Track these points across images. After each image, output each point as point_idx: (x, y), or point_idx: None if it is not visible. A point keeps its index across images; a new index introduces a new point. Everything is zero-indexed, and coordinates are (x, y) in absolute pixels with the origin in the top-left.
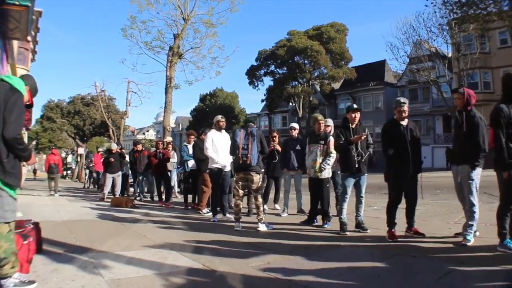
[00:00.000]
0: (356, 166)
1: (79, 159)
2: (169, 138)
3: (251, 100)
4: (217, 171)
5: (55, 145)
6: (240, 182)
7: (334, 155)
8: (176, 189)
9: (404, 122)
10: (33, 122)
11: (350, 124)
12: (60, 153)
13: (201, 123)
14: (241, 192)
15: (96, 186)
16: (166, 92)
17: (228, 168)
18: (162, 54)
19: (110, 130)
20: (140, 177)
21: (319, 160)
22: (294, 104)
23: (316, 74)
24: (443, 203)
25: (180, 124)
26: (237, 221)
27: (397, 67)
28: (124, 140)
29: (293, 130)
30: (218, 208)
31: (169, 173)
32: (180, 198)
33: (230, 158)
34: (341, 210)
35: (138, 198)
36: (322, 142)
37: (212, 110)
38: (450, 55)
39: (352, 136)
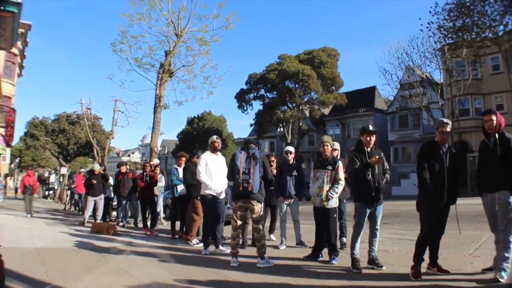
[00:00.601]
0: (373, 194)
1: (61, 180)
2: (156, 161)
3: (239, 125)
4: (210, 198)
5: (38, 164)
6: (238, 212)
7: (342, 182)
8: (162, 215)
9: (444, 147)
10: (17, 139)
11: (366, 147)
12: (43, 172)
13: (188, 146)
14: (239, 223)
15: (77, 209)
16: (154, 112)
17: (223, 195)
18: (152, 71)
19: (95, 150)
20: (124, 201)
21: (326, 187)
22: (282, 129)
23: (305, 99)
24: (449, 233)
25: (166, 147)
26: (234, 256)
27: (389, 93)
28: (108, 162)
29: (289, 154)
30: (210, 239)
31: (155, 198)
32: (166, 224)
33: (225, 184)
34: (353, 245)
35: (121, 224)
36: (330, 167)
37: (200, 134)
38: (441, 81)
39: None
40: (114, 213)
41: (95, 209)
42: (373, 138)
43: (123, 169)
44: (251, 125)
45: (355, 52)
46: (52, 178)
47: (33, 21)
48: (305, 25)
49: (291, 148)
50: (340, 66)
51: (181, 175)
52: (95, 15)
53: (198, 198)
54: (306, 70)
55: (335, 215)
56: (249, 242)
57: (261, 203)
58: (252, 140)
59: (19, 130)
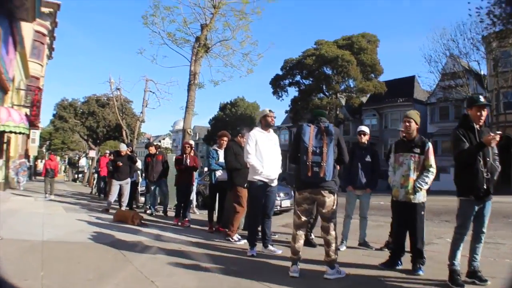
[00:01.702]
0: (485, 186)
1: (90, 163)
2: (191, 142)
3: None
4: (260, 186)
5: (68, 147)
6: (303, 205)
7: (434, 170)
8: (194, 203)
9: None
10: (47, 122)
11: (475, 124)
12: (73, 155)
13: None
14: (303, 219)
15: (100, 193)
16: (188, 90)
17: (275, 183)
18: (186, 47)
19: (124, 132)
20: (153, 187)
21: (413, 176)
22: None
23: (342, 87)
24: None
25: (197, 133)
26: (294, 262)
27: (430, 83)
28: (138, 147)
29: (362, 136)
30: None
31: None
32: (198, 214)
33: (279, 168)
34: (454, 254)
35: (148, 212)
36: (418, 150)
37: (233, 120)
38: (483, 72)
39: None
40: (142, 199)
41: (120, 195)
42: (485, 113)
43: (152, 150)
44: (286, 111)
45: (392, 41)
46: (83, 162)
47: (64, 8)
48: (341, 11)
49: (365, 129)
50: (378, 54)
51: (221, 158)
52: None
53: (245, 185)
54: (346, 56)
55: (422, 212)
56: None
57: (334, 194)
58: (323, 112)
59: (49, 113)
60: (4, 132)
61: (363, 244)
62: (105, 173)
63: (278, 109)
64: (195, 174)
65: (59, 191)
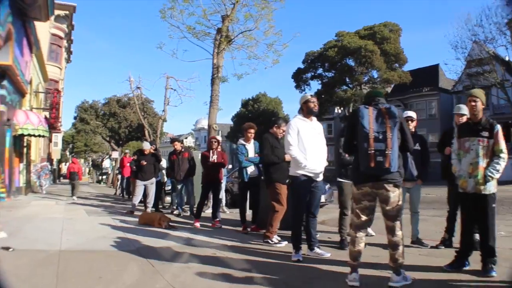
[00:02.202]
0: None
1: (114, 164)
2: (219, 138)
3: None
4: (304, 181)
5: (91, 149)
6: (364, 202)
7: (505, 155)
8: (223, 201)
9: None
10: (69, 125)
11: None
12: (96, 157)
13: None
14: (363, 218)
15: (122, 194)
16: (212, 84)
17: (321, 177)
18: (208, 40)
19: (146, 132)
20: (179, 186)
21: (483, 164)
22: (342, 110)
23: (365, 79)
24: None
25: (220, 131)
26: (354, 270)
27: (458, 70)
28: (161, 147)
29: (409, 122)
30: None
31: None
32: (228, 213)
33: (324, 161)
34: None
35: (175, 212)
36: (486, 134)
37: (255, 116)
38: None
39: None
40: (168, 199)
41: (145, 196)
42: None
43: (178, 146)
44: None
45: (413, 29)
46: (107, 163)
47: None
48: (361, 1)
49: (412, 114)
50: (401, 43)
51: (250, 153)
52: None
53: (287, 181)
54: (369, 46)
55: (494, 205)
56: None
57: (399, 188)
58: (379, 92)
59: (70, 116)
60: (22, 135)
61: (417, 241)
62: (128, 173)
63: (296, 106)
64: (224, 171)
65: (83, 193)
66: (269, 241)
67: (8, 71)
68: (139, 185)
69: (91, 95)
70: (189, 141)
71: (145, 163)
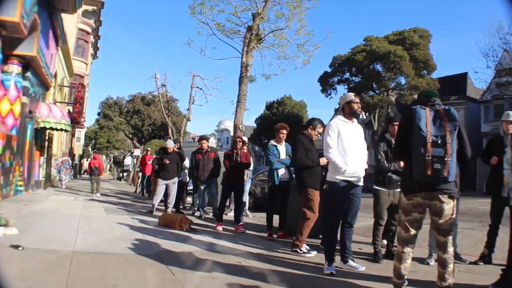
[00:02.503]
0: None
1: (135, 162)
2: (245, 138)
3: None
4: (343, 188)
5: (113, 145)
6: (414, 214)
7: None
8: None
9: None
10: (92, 121)
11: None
12: (118, 154)
13: (266, 132)
14: (412, 232)
15: (142, 193)
16: (240, 83)
17: (361, 183)
18: (237, 38)
19: (169, 130)
20: (202, 187)
21: None
22: (368, 116)
23: (392, 85)
24: None
25: (243, 133)
26: None
27: (487, 79)
28: (183, 146)
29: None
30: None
31: (244, 184)
32: (251, 217)
33: (365, 165)
34: None
35: (197, 214)
36: None
37: (279, 119)
38: None
39: None
40: (189, 199)
41: (166, 195)
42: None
43: (205, 145)
44: (335, 109)
45: (441, 36)
46: (128, 161)
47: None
48: (390, 6)
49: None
50: (430, 50)
51: (282, 155)
52: None
53: (324, 187)
54: (398, 51)
55: None
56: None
57: (453, 199)
58: (435, 92)
59: (94, 113)
60: (44, 128)
61: (455, 256)
62: (149, 171)
63: (329, 107)
64: (249, 172)
65: (103, 190)
66: (298, 250)
67: (33, 62)
68: (161, 184)
69: (116, 92)
70: (211, 142)
71: (168, 161)
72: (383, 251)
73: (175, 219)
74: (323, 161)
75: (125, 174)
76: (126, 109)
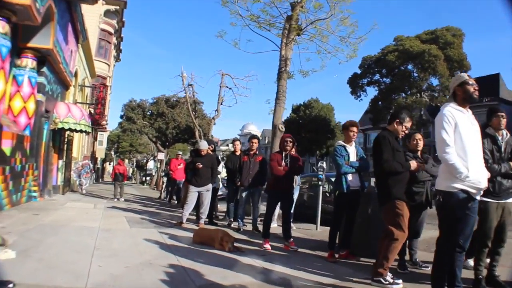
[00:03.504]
0: None
1: (158, 166)
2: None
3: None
4: (463, 201)
5: (136, 149)
6: None
7: None
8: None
9: None
10: (115, 125)
11: None
12: (141, 158)
13: (293, 136)
14: None
15: (175, 198)
16: (279, 78)
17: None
18: (273, 30)
19: (196, 133)
20: (244, 195)
21: None
22: None
23: (424, 86)
24: None
25: (267, 137)
26: None
27: None
28: None
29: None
30: None
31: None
32: (295, 229)
33: (487, 172)
34: None
35: (233, 226)
36: None
37: (306, 122)
38: None
39: None
40: (220, 206)
41: (198, 204)
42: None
43: (255, 145)
44: (366, 112)
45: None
46: (151, 165)
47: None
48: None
49: None
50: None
51: (351, 157)
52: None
53: (437, 198)
54: (433, 50)
55: None
56: None
57: None
58: None
59: (116, 116)
60: (63, 129)
61: None
62: (179, 176)
63: (356, 111)
64: (297, 179)
65: (125, 195)
66: (382, 280)
67: (49, 56)
68: (193, 192)
69: (139, 95)
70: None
71: (201, 165)
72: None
73: (214, 236)
74: (414, 165)
75: (148, 178)
76: (150, 112)
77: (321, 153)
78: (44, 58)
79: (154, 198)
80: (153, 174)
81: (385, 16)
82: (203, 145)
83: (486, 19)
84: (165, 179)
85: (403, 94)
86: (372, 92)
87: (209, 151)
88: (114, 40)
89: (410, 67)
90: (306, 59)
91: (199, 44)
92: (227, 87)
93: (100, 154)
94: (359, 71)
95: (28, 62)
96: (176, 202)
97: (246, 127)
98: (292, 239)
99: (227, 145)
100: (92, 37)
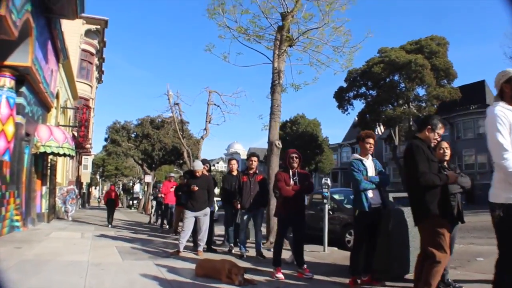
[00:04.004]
0: None
1: (145, 189)
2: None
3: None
4: None
5: (122, 172)
6: None
7: None
8: None
9: None
10: (99, 148)
11: None
12: (127, 181)
13: (280, 153)
14: None
15: (167, 224)
16: (272, 92)
17: None
18: (263, 42)
19: (185, 153)
20: (245, 217)
21: None
22: (383, 131)
23: (411, 97)
24: None
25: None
26: None
27: None
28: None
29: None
30: None
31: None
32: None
33: None
34: None
35: (234, 251)
36: None
37: (293, 139)
38: None
39: None
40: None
41: (195, 230)
42: None
43: (254, 164)
44: (354, 125)
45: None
46: (137, 188)
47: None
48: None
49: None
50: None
51: (369, 172)
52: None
53: (497, 213)
54: (419, 60)
55: None
56: None
57: None
58: None
59: (100, 140)
60: (45, 154)
61: None
62: (172, 200)
63: (342, 125)
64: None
65: (114, 221)
66: None
67: (28, 75)
68: (189, 217)
69: (123, 117)
70: (221, 166)
71: (196, 188)
72: None
73: (221, 267)
74: (453, 176)
75: (135, 202)
76: (135, 134)
77: (310, 169)
78: (22, 77)
79: (144, 223)
80: (140, 197)
81: (367, 27)
82: (198, 166)
83: (468, 27)
84: (154, 202)
85: (391, 106)
86: (358, 105)
87: (205, 172)
88: (95, 61)
89: (396, 78)
90: (298, 71)
91: (184, 62)
92: (215, 104)
93: (85, 179)
94: (344, 85)
95: (6, 81)
96: (167, 227)
97: (232, 146)
98: (305, 266)
99: (214, 165)
100: (73, 58)
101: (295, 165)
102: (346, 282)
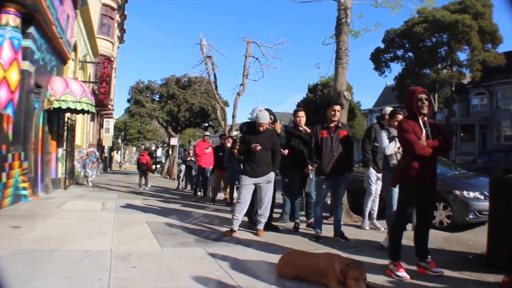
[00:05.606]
0: None
1: (170, 152)
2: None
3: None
4: None
5: (144, 136)
6: None
7: None
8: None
9: None
10: (121, 112)
11: None
12: (150, 145)
13: (310, 118)
14: None
15: (200, 191)
16: (338, 33)
17: None
18: None
19: (219, 112)
20: (324, 186)
21: None
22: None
23: (450, 61)
24: None
25: (279, 121)
26: None
27: None
28: (213, 137)
29: None
30: None
31: None
32: (383, 229)
33: None
34: None
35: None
36: None
37: (325, 102)
38: None
39: None
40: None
41: (253, 203)
42: None
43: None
44: (392, 89)
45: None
46: (159, 152)
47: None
48: None
49: None
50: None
51: None
52: None
53: None
54: (466, 20)
55: None
56: None
57: None
58: None
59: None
60: (60, 109)
61: None
62: (207, 163)
63: (374, 89)
64: None
65: (138, 186)
66: None
67: (37, 13)
68: (247, 185)
69: (146, 77)
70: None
71: (259, 147)
72: None
73: (327, 268)
74: None
75: (158, 166)
76: (159, 94)
77: None
78: (31, 16)
79: (171, 189)
80: (163, 161)
81: None
82: (263, 117)
83: None
84: (183, 166)
85: (429, 70)
86: (396, 67)
87: (269, 126)
88: (117, 17)
89: (441, 39)
90: (358, 15)
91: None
92: (253, 57)
93: (107, 142)
94: (382, 46)
95: (9, 19)
96: (201, 194)
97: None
98: (429, 257)
99: (237, 130)
100: (93, 12)
101: (426, 110)
102: (489, 279)
